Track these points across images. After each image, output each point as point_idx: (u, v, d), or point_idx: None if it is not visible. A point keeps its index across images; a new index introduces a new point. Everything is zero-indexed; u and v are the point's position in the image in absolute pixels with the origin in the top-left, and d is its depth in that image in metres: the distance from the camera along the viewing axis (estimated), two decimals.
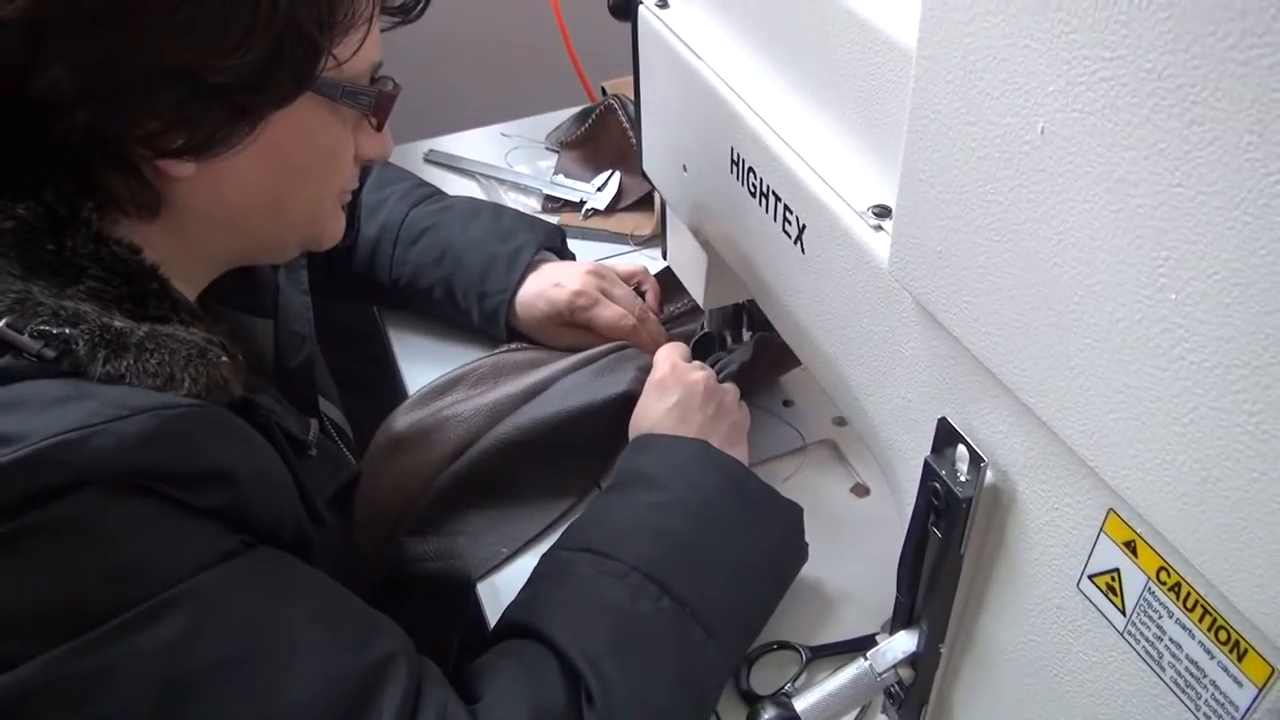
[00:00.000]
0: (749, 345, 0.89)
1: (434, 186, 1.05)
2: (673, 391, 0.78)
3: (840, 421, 0.91)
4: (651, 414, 0.78)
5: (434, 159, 1.27)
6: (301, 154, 0.59)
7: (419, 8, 0.62)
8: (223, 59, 0.50)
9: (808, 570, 0.75)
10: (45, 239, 0.51)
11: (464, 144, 1.31)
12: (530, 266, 0.95)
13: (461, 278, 0.95)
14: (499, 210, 1.01)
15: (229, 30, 0.50)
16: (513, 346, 0.96)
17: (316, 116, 0.57)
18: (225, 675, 0.48)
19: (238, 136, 0.54)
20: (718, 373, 0.85)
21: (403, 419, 0.90)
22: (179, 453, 0.48)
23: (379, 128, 0.63)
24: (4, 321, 0.47)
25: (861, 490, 0.86)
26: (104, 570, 0.46)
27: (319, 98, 0.56)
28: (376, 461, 0.87)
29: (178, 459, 0.48)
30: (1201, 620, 0.36)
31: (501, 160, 1.27)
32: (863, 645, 0.73)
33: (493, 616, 0.78)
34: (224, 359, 0.53)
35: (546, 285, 0.93)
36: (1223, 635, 0.35)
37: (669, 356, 0.82)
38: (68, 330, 0.48)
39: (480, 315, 0.95)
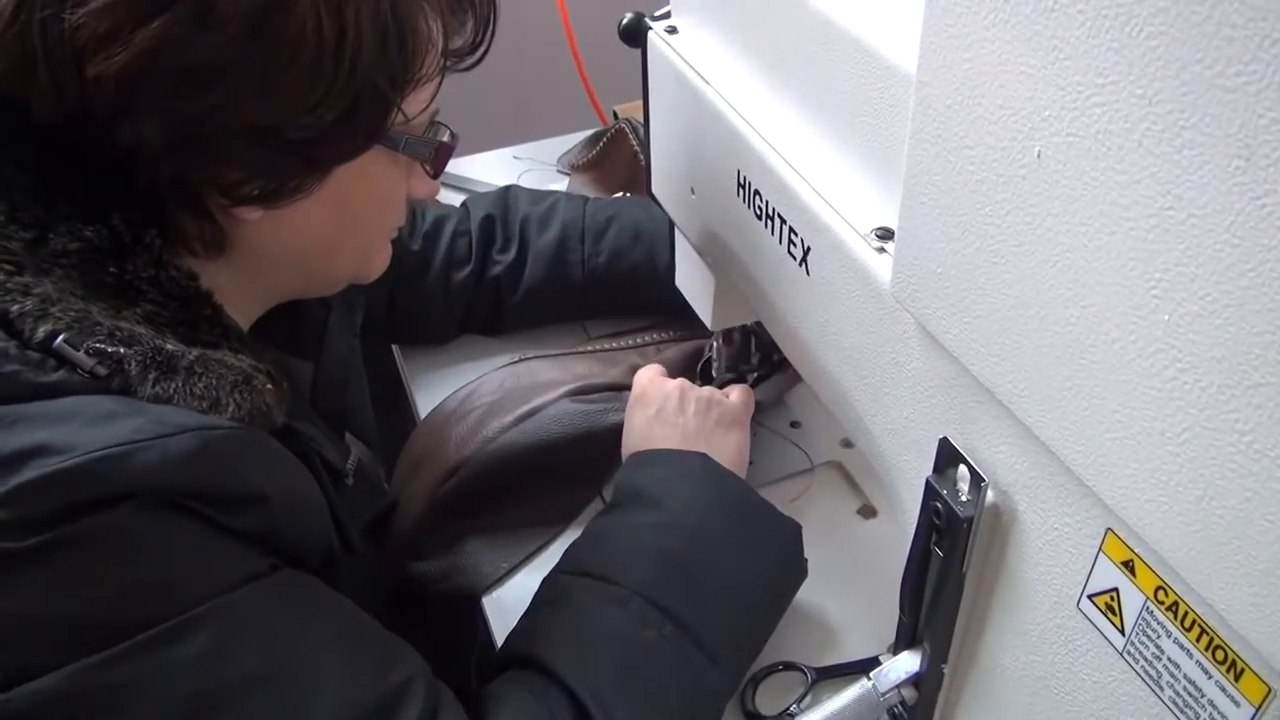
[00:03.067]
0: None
1: None
2: (652, 402, 0.80)
3: (848, 443, 0.91)
4: (636, 427, 0.79)
5: (446, 182, 1.28)
6: (362, 199, 0.60)
7: (477, 55, 0.63)
8: (302, 117, 0.52)
9: (814, 591, 0.75)
10: (108, 262, 0.52)
11: (476, 167, 1.32)
12: None
13: (663, 250, 0.96)
14: None
15: (311, 91, 0.51)
16: (516, 359, 0.97)
17: (378, 164, 0.59)
18: (247, 694, 0.49)
19: (308, 186, 0.55)
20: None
21: (418, 443, 0.91)
22: (218, 473, 0.49)
23: (436, 176, 0.65)
24: (62, 338, 0.48)
25: (869, 512, 0.86)
26: (134, 585, 0.47)
27: (383, 147, 0.58)
28: (398, 487, 0.88)
29: (217, 480, 0.49)
30: (1199, 640, 0.36)
31: (513, 182, 1.28)
32: (868, 667, 0.73)
33: (499, 632, 0.78)
34: (268, 386, 0.54)
35: None
36: (1220, 655, 0.35)
37: (646, 373, 0.83)
38: (122, 350, 0.49)
39: None
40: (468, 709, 0.57)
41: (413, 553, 0.84)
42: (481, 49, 0.63)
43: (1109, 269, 0.33)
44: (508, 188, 1.04)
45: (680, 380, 0.81)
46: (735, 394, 0.83)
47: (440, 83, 0.60)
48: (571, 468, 0.86)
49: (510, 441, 0.86)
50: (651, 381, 0.82)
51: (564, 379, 0.93)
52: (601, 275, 0.99)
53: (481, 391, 0.94)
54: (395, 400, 1.03)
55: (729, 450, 0.77)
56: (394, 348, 1.05)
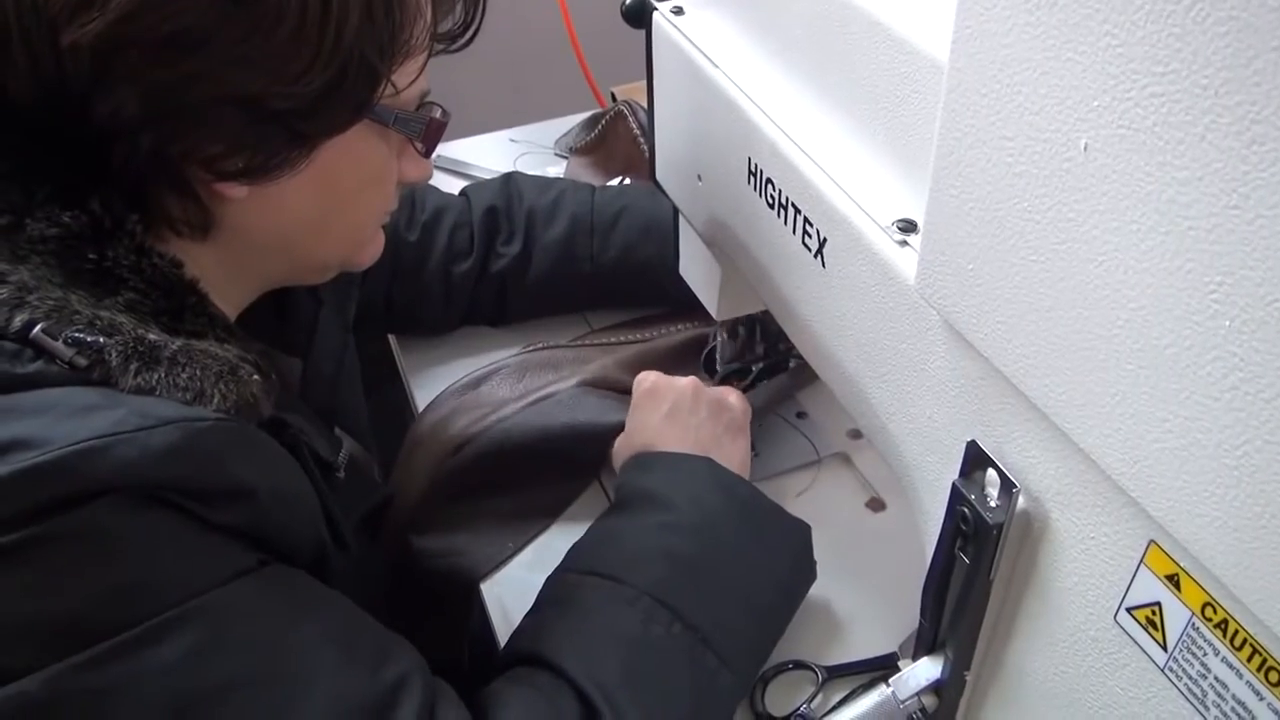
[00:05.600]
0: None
1: None
2: (664, 398, 0.78)
3: (855, 434, 0.90)
4: (647, 425, 0.77)
5: (442, 165, 1.26)
6: (350, 178, 0.59)
7: (467, 37, 0.61)
8: (287, 86, 0.50)
9: (822, 587, 0.74)
10: (87, 248, 0.50)
11: (472, 150, 1.29)
12: None
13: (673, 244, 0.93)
14: None
15: (295, 58, 0.49)
16: (536, 346, 0.96)
17: (366, 141, 0.57)
18: (236, 695, 0.47)
19: (294, 161, 0.53)
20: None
21: (428, 418, 0.90)
22: (202, 467, 0.47)
23: (427, 154, 0.63)
24: (39, 327, 0.46)
25: (877, 504, 0.85)
26: (116, 583, 0.45)
27: (372, 123, 0.56)
28: (400, 460, 0.87)
29: (200, 473, 0.47)
30: (1250, 660, 0.34)
31: (510, 166, 1.26)
32: (880, 665, 0.72)
33: (497, 619, 0.77)
34: (255, 377, 0.52)
35: None
36: (1273, 676, 0.33)
37: (653, 370, 0.82)
38: (102, 339, 0.47)
39: None
40: (470, 707, 0.56)
41: (414, 527, 0.82)
42: (472, 28, 0.61)
43: (1163, 270, 0.31)
44: (509, 176, 1.01)
45: (692, 379, 0.79)
46: (734, 399, 0.81)
47: (428, 57, 0.58)
48: (577, 455, 0.85)
49: (520, 421, 0.85)
50: (661, 378, 0.80)
51: (581, 370, 0.92)
52: (611, 270, 0.96)
53: (501, 373, 0.92)
54: (392, 394, 1.01)
55: (736, 457, 0.76)
56: (391, 341, 1.03)
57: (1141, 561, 0.37)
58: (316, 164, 0.55)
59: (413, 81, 0.57)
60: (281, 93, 0.50)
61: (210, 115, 0.49)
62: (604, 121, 1.21)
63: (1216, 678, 0.36)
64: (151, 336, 0.49)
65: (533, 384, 0.91)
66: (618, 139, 1.20)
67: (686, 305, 0.90)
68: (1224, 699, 0.36)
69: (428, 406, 0.92)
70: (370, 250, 0.66)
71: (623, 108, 1.19)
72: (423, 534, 0.82)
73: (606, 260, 0.96)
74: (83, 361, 0.46)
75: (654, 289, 0.97)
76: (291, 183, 0.54)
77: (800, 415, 0.92)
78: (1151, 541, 0.37)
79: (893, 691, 0.53)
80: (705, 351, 0.93)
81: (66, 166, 0.50)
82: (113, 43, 0.46)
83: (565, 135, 1.28)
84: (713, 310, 0.84)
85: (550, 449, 0.84)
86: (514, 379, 0.92)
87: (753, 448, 0.84)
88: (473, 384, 0.92)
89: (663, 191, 0.82)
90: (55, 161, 0.50)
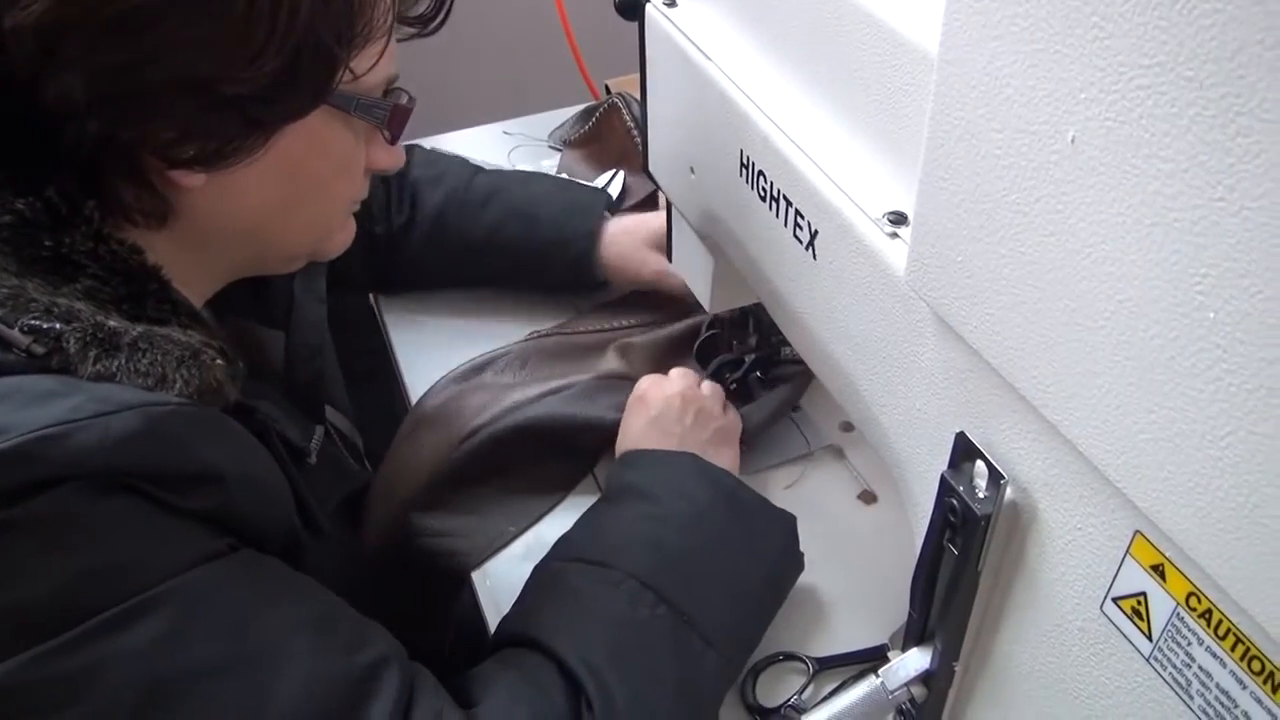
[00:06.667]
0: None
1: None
2: (652, 406, 0.79)
3: (847, 427, 0.90)
4: (633, 430, 0.79)
5: None
6: (313, 166, 0.58)
7: (438, 20, 0.61)
8: (239, 71, 0.49)
9: (814, 579, 0.74)
10: (43, 235, 0.50)
11: (466, 142, 1.29)
12: (601, 217, 0.98)
13: (540, 232, 0.96)
14: (550, 175, 1.07)
15: (247, 42, 0.49)
16: (542, 332, 0.97)
17: (329, 128, 0.56)
18: (208, 679, 0.47)
19: (250, 148, 0.53)
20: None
21: (430, 400, 0.90)
22: (165, 452, 0.47)
23: (393, 141, 0.62)
24: None
25: (869, 497, 0.85)
26: (82, 570, 0.45)
27: (333, 110, 0.55)
28: (400, 440, 0.87)
29: (163, 458, 0.47)
30: (1234, 649, 0.34)
31: (504, 159, 1.26)
32: (871, 656, 0.72)
33: (488, 609, 0.77)
34: (219, 362, 0.52)
35: (628, 221, 0.97)
36: (1256, 665, 0.34)
37: (652, 374, 0.83)
38: (59, 326, 0.47)
39: (564, 264, 0.97)
40: (453, 692, 0.56)
41: (416, 505, 0.83)
42: (443, 13, 0.60)
43: (1148, 262, 0.31)
44: (412, 147, 1.03)
45: (682, 389, 0.80)
46: (721, 409, 0.82)
47: (389, 41, 0.57)
48: (585, 445, 0.86)
49: (536, 412, 0.86)
50: (654, 384, 0.81)
51: (591, 358, 0.93)
52: (477, 251, 0.98)
53: (504, 359, 0.94)
54: (384, 387, 1.01)
55: (723, 463, 0.76)
56: (385, 332, 1.03)
57: (1127, 552, 0.38)
58: (277, 151, 0.54)
59: (374, 66, 0.56)
60: (234, 78, 0.49)
61: (160, 101, 0.49)
62: (598, 114, 1.21)
63: (1201, 667, 0.36)
64: (111, 323, 0.49)
65: (536, 372, 0.91)
66: (612, 132, 1.20)
67: (569, 291, 0.98)
68: (1208, 688, 0.36)
69: (428, 391, 0.92)
70: (340, 239, 0.65)
71: (617, 100, 1.19)
72: (425, 512, 0.82)
73: (474, 239, 0.98)
74: (40, 349, 0.46)
75: (524, 271, 0.99)
76: (251, 170, 0.53)
77: (793, 408, 0.92)
78: (1137, 532, 0.37)
79: (882, 682, 0.54)
80: (697, 343, 0.93)
81: (20, 153, 0.50)
82: (56, 25, 0.45)
83: (559, 128, 1.28)
84: (705, 303, 0.84)
85: (562, 439, 0.85)
86: (515, 366, 0.93)
87: (744, 441, 0.84)
88: (473, 370, 0.93)
89: (656, 184, 0.82)
90: (8, 148, 0.50)
